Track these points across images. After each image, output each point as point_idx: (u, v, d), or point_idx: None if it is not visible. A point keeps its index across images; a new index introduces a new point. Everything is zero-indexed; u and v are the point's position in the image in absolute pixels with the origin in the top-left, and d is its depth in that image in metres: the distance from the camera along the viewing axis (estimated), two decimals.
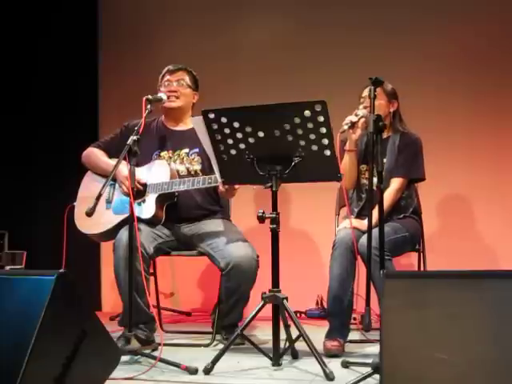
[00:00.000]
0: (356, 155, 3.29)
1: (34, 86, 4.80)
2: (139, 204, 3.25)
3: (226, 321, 3.31)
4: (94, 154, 3.45)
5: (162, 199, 3.27)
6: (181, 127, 3.50)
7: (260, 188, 2.80)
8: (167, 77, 3.45)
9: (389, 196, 3.20)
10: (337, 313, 3.11)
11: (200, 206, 3.41)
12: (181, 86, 3.44)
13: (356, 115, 3.11)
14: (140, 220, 3.15)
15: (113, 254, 3.14)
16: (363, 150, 3.37)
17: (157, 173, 3.30)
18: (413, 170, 3.31)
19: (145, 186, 3.28)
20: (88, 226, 3.33)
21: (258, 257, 3.19)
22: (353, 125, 3.09)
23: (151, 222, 3.27)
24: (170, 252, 3.42)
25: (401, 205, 3.32)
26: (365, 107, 3.16)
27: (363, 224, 3.16)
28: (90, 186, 3.39)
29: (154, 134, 3.48)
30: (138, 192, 3.23)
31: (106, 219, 3.31)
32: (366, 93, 3.25)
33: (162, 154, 3.43)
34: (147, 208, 3.25)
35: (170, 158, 3.42)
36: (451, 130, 4.40)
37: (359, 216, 3.31)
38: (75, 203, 3.44)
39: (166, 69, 3.48)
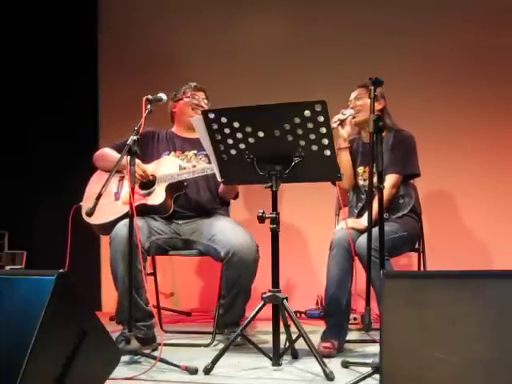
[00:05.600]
0: (348, 152, 3.40)
1: (34, 86, 4.80)
2: (149, 194, 3.34)
3: (227, 318, 3.30)
4: (109, 153, 3.51)
5: (171, 189, 3.35)
6: (190, 135, 3.56)
7: (261, 187, 2.80)
8: (193, 91, 3.60)
9: (384, 193, 3.20)
10: (333, 313, 3.12)
11: (204, 204, 3.45)
12: (206, 104, 3.60)
13: (343, 114, 3.34)
14: (149, 210, 3.28)
15: (109, 247, 3.17)
16: (360, 153, 3.41)
17: (166, 166, 3.40)
18: (407, 166, 3.33)
19: (154, 178, 3.36)
20: (96, 216, 3.33)
21: (257, 246, 3.21)
22: (341, 122, 3.32)
23: (159, 211, 3.33)
24: (169, 251, 3.43)
25: (399, 203, 3.33)
26: (351, 108, 3.38)
27: (360, 223, 3.18)
28: (99, 183, 3.40)
29: (165, 141, 3.60)
30: (148, 182, 3.35)
31: (113, 209, 3.35)
32: (351, 96, 3.43)
33: (171, 154, 3.53)
34: (157, 195, 3.32)
35: (178, 157, 3.52)
36: (451, 131, 4.40)
37: (359, 217, 3.32)
38: (81, 203, 3.46)
39: (189, 85, 3.62)
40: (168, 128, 3.68)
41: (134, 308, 2.91)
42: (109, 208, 3.32)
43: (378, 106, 3.34)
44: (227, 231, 3.28)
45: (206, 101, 3.61)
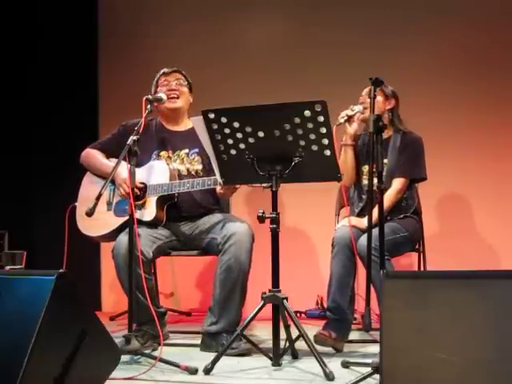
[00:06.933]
0: (353, 150, 3.37)
1: (33, 86, 4.80)
2: (140, 207, 3.26)
3: (222, 322, 3.13)
4: (92, 155, 3.46)
5: (162, 201, 3.28)
6: (180, 128, 3.51)
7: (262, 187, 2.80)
8: (163, 78, 3.45)
9: (390, 197, 3.21)
10: (335, 309, 3.12)
11: (199, 204, 3.40)
12: (180, 85, 3.44)
13: (352, 110, 3.26)
14: (141, 222, 3.17)
15: (113, 261, 3.14)
16: (365, 151, 3.40)
17: (156, 174, 3.31)
18: (414, 170, 3.32)
19: (144, 187, 3.29)
20: (90, 228, 3.35)
21: (253, 236, 3.18)
22: (349, 118, 3.25)
23: (153, 224, 3.28)
24: (171, 253, 3.42)
25: (402, 205, 3.33)
26: (361, 103, 3.30)
27: (362, 222, 3.18)
28: (89, 187, 3.39)
29: (154, 135, 3.47)
30: (138, 194, 3.25)
31: (107, 221, 3.32)
32: (363, 92, 3.35)
33: (162, 153, 3.44)
34: (148, 210, 3.27)
35: (170, 157, 3.44)
36: (452, 130, 4.40)
37: (359, 217, 3.32)
38: (76, 204, 3.45)
39: (161, 72, 3.47)
40: (156, 116, 3.53)
41: (143, 311, 2.98)
42: (102, 218, 3.28)
43: (387, 106, 3.35)
44: (224, 221, 3.28)
45: (181, 81, 3.44)
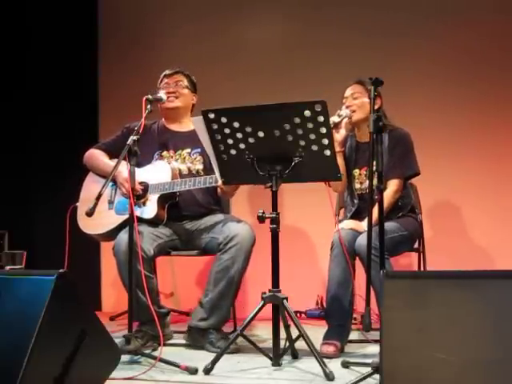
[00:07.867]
0: (342, 156, 3.29)
1: (33, 85, 4.80)
2: (141, 205, 3.26)
3: (212, 319, 3.16)
4: (96, 156, 3.47)
5: (163, 199, 3.29)
6: (182, 128, 3.52)
7: (261, 187, 2.80)
8: (165, 80, 3.48)
9: (387, 198, 3.19)
10: (335, 314, 3.11)
11: (201, 204, 3.41)
12: (179, 87, 3.46)
13: (339, 116, 3.22)
14: (142, 220, 3.18)
15: (114, 259, 3.15)
16: (354, 154, 3.38)
17: (158, 173, 3.32)
18: (407, 169, 3.29)
19: (146, 186, 3.29)
20: (91, 227, 3.36)
21: (255, 238, 3.19)
22: (336, 125, 3.18)
23: (153, 222, 3.28)
24: (171, 252, 3.42)
25: (398, 205, 3.31)
26: (347, 107, 3.26)
27: (359, 225, 3.17)
28: (91, 187, 3.40)
29: (156, 136, 3.50)
30: (139, 194, 3.25)
31: (108, 220, 3.32)
32: (347, 93, 3.32)
33: (164, 153, 3.45)
34: (149, 208, 3.27)
35: (172, 157, 3.45)
36: (452, 130, 4.39)
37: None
38: (78, 204, 3.45)
39: (163, 73, 3.51)
40: (159, 119, 3.56)
41: (143, 310, 2.98)
42: (103, 217, 3.30)
43: (375, 106, 3.31)
44: (225, 221, 3.29)
45: (181, 83, 3.46)
